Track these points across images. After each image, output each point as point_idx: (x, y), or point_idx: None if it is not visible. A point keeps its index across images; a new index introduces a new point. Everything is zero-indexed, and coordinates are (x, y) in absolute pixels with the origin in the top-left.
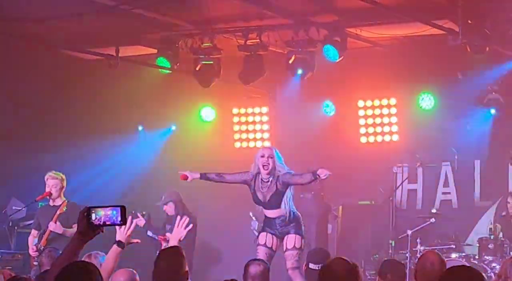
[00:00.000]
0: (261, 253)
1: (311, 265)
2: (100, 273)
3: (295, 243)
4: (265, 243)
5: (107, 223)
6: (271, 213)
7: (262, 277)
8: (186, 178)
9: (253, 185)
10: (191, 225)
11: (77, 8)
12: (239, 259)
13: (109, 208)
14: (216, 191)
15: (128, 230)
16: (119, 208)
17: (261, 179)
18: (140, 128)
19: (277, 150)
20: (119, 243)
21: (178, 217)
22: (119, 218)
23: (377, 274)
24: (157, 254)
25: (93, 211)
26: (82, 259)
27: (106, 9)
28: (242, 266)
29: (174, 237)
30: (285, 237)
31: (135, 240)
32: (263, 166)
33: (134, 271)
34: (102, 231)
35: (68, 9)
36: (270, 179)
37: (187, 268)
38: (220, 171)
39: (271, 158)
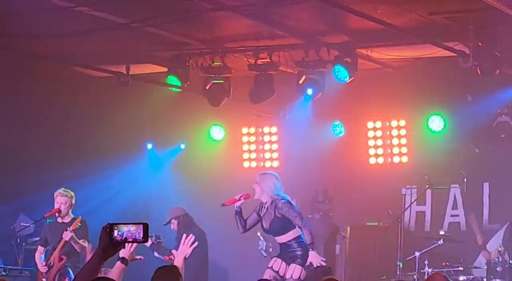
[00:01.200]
0: (266, 276)
1: None
2: None
3: (296, 275)
4: (272, 266)
5: (129, 239)
6: (277, 239)
7: None
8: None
9: (260, 214)
10: (196, 243)
11: (88, 26)
12: (246, 279)
13: (132, 225)
14: (223, 211)
15: (131, 247)
16: (141, 226)
17: (262, 206)
18: (149, 146)
19: (272, 176)
20: (123, 260)
21: (184, 235)
22: (141, 235)
23: None
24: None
25: (115, 228)
26: None
27: (117, 26)
28: None
29: (180, 255)
30: (290, 265)
31: (138, 257)
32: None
33: None
34: (124, 247)
35: (79, 27)
36: (267, 206)
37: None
38: (229, 190)
39: (258, 183)
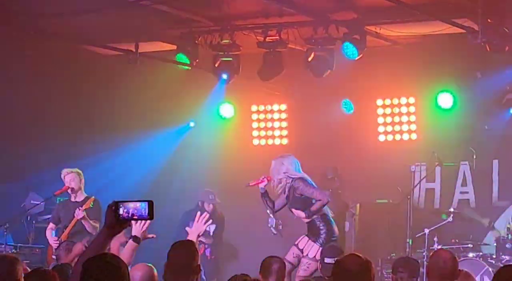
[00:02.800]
0: (290, 253)
1: (327, 260)
2: (127, 266)
3: (312, 254)
4: (297, 243)
5: (135, 217)
6: (302, 219)
7: (279, 274)
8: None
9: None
10: (210, 221)
11: (97, 4)
12: (256, 256)
13: (137, 202)
14: (233, 188)
15: (144, 225)
16: (147, 203)
17: (285, 188)
18: (159, 124)
19: (283, 159)
20: (135, 238)
21: (198, 213)
22: (147, 213)
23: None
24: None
25: (121, 205)
26: None
27: (126, 4)
28: (259, 263)
29: (194, 232)
30: (309, 243)
31: (151, 235)
32: None
33: (152, 266)
34: (130, 225)
35: (88, 5)
36: (288, 186)
37: (199, 262)
38: (238, 167)
39: (273, 169)
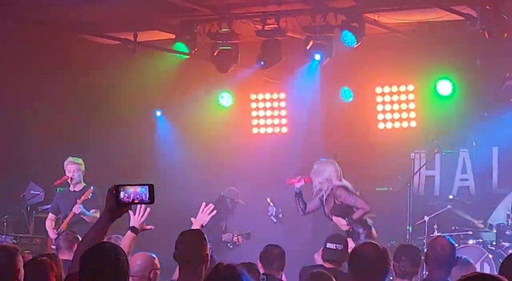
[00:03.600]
0: None
1: (329, 245)
2: (126, 255)
3: None
4: None
5: (136, 201)
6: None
7: (278, 262)
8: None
9: (322, 201)
10: (214, 212)
11: None
12: (256, 244)
13: (138, 186)
14: (232, 177)
15: (141, 216)
16: (147, 186)
17: (323, 193)
18: (158, 113)
19: (330, 164)
20: (133, 229)
21: (203, 204)
22: (148, 196)
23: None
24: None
25: (121, 189)
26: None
27: None
28: (259, 250)
29: (198, 222)
30: None
31: (149, 227)
32: None
33: (153, 255)
34: (131, 209)
35: None
36: (328, 193)
37: (208, 251)
38: (237, 156)
39: (314, 172)
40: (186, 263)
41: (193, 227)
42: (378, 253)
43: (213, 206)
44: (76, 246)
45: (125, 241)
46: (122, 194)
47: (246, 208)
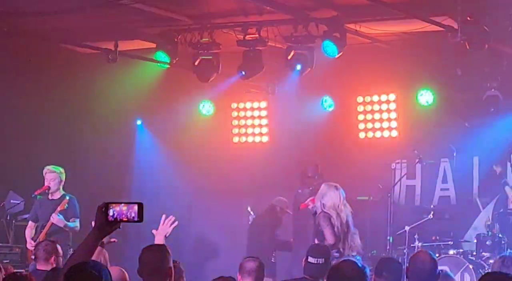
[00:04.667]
0: None
1: (310, 259)
2: (109, 273)
3: None
4: None
5: (124, 219)
6: None
7: (257, 273)
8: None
9: None
10: (176, 223)
11: (76, 2)
12: (236, 253)
13: (127, 204)
14: (213, 187)
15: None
16: (136, 205)
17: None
18: (138, 122)
19: (337, 192)
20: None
21: (164, 216)
22: (136, 215)
23: (373, 272)
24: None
25: (110, 207)
26: None
27: (105, 3)
28: (239, 260)
29: (160, 233)
30: None
31: (112, 240)
32: None
33: (123, 269)
34: (120, 227)
35: (67, 3)
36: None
37: (171, 264)
38: (219, 165)
39: (320, 195)
40: (150, 278)
41: (156, 239)
42: (357, 271)
43: (173, 217)
44: (53, 257)
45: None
46: (111, 212)
47: (227, 217)
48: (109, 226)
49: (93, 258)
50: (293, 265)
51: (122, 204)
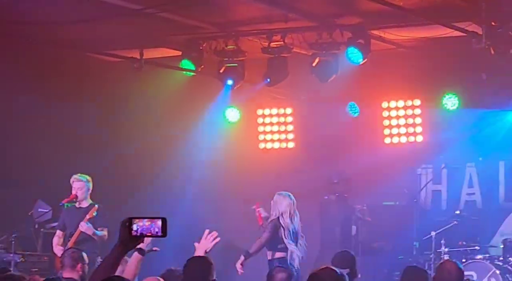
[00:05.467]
0: None
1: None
2: None
3: None
4: None
5: (148, 234)
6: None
7: None
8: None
9: None
10: (218, 239)
11: (102, 12)
12: (263, 259)
13: (150, 219)
14: (241, 193)
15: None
16: (160, 220)
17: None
18: (165, 130)
19: (287, 199)
20: (140, 250)
21: (207, 230)
22: (160, 230)
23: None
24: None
25: (134, 222)
26: None
27: (131, 12)
28: (266, 266)
29: (201, 247)
30: None
31: (155, 248)
32: None
33: (160, 279)
34: (143, 242)
35: (93, 13)
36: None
37: (214, 277)
38: (244, 171)
39: (274, 203)
40: None
41: (196, 253)
42: (335, 278)
43: (216, 233)
44: (79, 265)
45: (131, 263)
46: (135, 227)
47: (254, 223)
48: (132, 241)
49: (133, 266)
50: None
51: (146, 219)
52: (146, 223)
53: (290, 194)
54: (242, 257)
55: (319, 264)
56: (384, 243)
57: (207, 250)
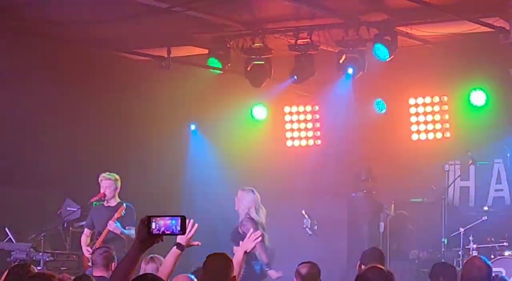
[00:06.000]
0: None
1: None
2: None
3: None
4: None
5: (167, 232)
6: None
7: (313, 279)
8: None
9: None
10: (259, 239)
11: (129, 11)
12: (291, 256)
13: (169, 217)
14: (268, 191)
15: (189, 232)
16: (179, 218)
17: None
18: (192, 127)
19: (249, 194)
20: (179, 245)
21: (251, 230)
22: (179, 228)
23: (428, 277)
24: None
25: (153, 220)
26: (143, 261)
27: (158, 11)
28: (294, 263)
29: (242, 248)
30: None
31: (196, 243)
32: None
33: (192, 276)
34: (162, 240)
35: (120, 12)
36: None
37: (235, 273)
38: (273, 169)
39: (238, 199)
40: None
41: (236, 253)
42: (383, 278)
43: (260, 232)
44: (113, 264)
45: (169, 258)
46: (153, 225)
47: (281, 221)
48: (151, 239)
49: (170, 262)
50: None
51: (165, 217)
52: (165, 221)
53: (253, 189)
54: (272, 271)
55: (347, 258)
56: (412, 240)
57: (247, 250)
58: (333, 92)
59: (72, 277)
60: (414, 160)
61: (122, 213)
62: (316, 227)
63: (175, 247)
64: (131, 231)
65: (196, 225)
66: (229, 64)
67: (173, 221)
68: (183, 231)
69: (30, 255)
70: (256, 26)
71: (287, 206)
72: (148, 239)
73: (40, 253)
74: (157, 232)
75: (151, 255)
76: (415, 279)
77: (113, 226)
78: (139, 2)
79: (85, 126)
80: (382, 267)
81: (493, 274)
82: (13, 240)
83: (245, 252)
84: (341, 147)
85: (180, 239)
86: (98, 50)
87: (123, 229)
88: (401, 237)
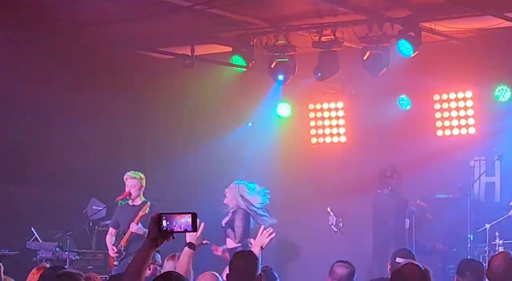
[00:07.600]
0: None
1: (398, 259)
2: None
3: None
4: None
5: (178, 230)
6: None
7: (348, 279)
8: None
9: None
10: (273, 234)
11: (152, 9)
12: (317, 254)
13: (180, 215)
14: (295, 187)
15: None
16: (190, 215)
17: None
18: (216, 126)
19: (241, 186)
20: (190, 245)
21: (262, 227)
22: (190, 225)
23: (455, 273)
24: (232, 256)
25: (164, 218)
26: (166, 258)
27: (181, 9)
28: (320, 260)
29: (257, 243)
30: None
31: (205, 242)
32: None
33: (216, 274)
34: (174, 237)
35: (143, 11)
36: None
37: (260, 271)
38: (298, 166)
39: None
40: None
41: (252, 248)
42: (420, 274)
43: (271, 229)
44: (152, 265)
45: (182, 259)
46: (164, 223)
47: (307, 218)
48: (162, 236)
49: (184, 262)
50: None
51: (176, 215)
52: (176, 218)
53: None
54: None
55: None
56: (438, 236)
57: (263, 246)
58: (357, 88)
59: (98, 276)
60: (439, 156)
61: (147, 211)
62: (341, 224)
63: (186, 247)
64: None
65: (202, 224)
66: (253, 62)
67: (185, 218)
68: (194, 228)
69: (56, 254)
70: (280, 24)
71: (312, 203)
72: (159, 236)
73: (66, 252)
74: (169, 229)
75: (172, 253)
76: (441, 276)
77: (135, 227)
78: (162, 1)
79: (110, 125)
80: (418, 264)
81: None
82: (39, 239)
83: (261, 247)
84: (366, 144)
85: (191, 238)
86: (122, 49)
87: (145, 229)
88: (426, 232)
